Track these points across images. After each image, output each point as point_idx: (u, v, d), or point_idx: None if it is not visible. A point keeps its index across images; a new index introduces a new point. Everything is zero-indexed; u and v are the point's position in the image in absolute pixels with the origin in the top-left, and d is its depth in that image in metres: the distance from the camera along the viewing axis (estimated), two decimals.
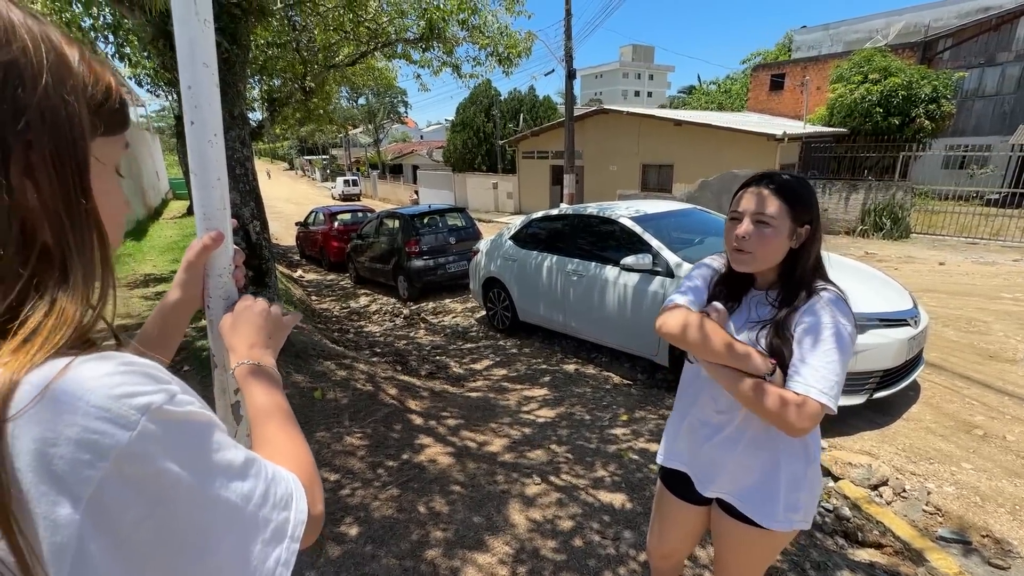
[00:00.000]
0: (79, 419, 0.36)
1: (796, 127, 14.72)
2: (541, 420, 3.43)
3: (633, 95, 62.29)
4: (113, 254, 0.49)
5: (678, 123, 14.35)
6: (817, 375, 1.07)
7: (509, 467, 2.73)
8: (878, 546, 2.45)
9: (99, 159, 0.46)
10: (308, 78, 6.82)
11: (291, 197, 29.63)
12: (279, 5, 6.04)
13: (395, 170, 36.68)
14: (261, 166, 59.83)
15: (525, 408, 3.66)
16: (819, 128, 15.35)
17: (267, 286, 3.47)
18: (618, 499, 2.48)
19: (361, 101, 36.75)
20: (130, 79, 10.08)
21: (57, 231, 0.42)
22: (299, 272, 11.62)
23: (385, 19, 6.90)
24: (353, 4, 6.21)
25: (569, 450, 2.98)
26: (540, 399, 3.87)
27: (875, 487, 2.89)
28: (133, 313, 4.72)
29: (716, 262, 1.34)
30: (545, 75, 17.92)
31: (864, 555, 2.38)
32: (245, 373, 0.63)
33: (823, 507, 2.76)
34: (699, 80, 36.68)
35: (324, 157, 50.35)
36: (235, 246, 0.79)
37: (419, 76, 13.26)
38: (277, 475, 0.49)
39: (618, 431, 3.23)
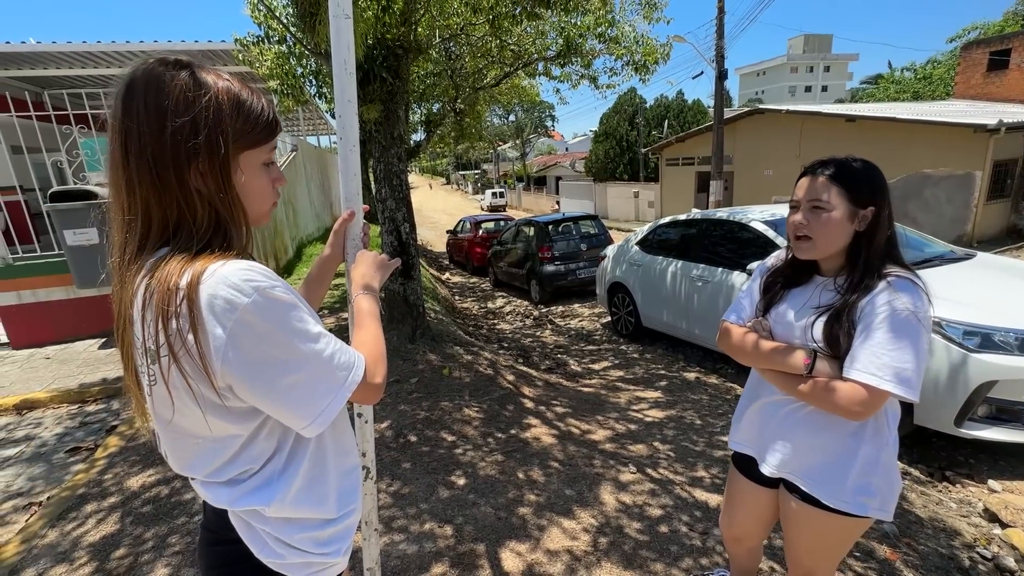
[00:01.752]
0: (224, 287, 0.64)
1: (1022, 114, 11.86)
2: (648, 419, 3.47)
3: (803, 91, 55.61)
4: (255, 223, 0.80)
5: (850, 119, 12.59)
6: (869, 357, 1.08)
7: (608, 455, 2.87)
8: None
9: (242, 163, 0.74)
10: (459, 100, 7.68)
11: (445, 208, 32.69)
12: (437, 40, 6.97)
13: (539, 182, 38.14)
14: (423, 181, 67.02)
15: (635, 407, 3.73)
16: None
17: (412, 278, 4.11)
18: (715, 499, 2.46)
19: (511, 118, 39.07)
20: (327, 113, 12.40)
21: (217, 206, 0.73)
22: (446, 275, 12.89)
23: (528, 41, 7.44)
24: (499, 31, 6.86)
25: (672, 449, 3.00)
26: (652, 400, 3.90)
27: None
28: None
29: (771, 260, 1.38)
30: (693, 78, 17.10)
31: None
32: (358, 289, 0.98)
33: (979, 553, 2.37)
34: (890, 67, 31.30)
35: (476, 171, 54.44)
36: (364, 220, 1.16)
37: (558, 90, 13.74)
38: (344, 348, 0.76)
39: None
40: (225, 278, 0.65)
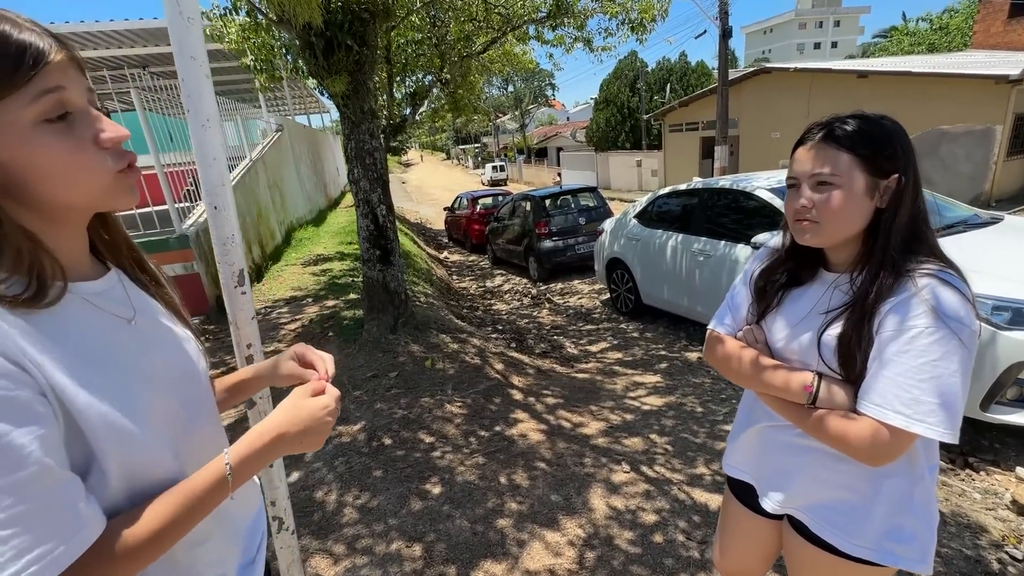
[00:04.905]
0: None
1: None
2: (646, 408, 3.25)
3: (812, 48, 53.53)
4: (76, 204, 0.54)
5: (862, 75, 11.94)
6: (892, 387, 0.81)
7: (600, 451, 2.66)
8: None
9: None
10: (445, 70, 7.26)
11: (446, 184, 32.14)
12: (418, 5, 6.53)
13: (540, 153, 37.34)
14: (429, 157, 66.06)
15: (631, 394, 3.50)
16: None
17: (392, 264, 3.85)
18: (715, 501, 2.24)
19: (509, 89, 38.01)
20: (315, 90, 11.95)
21: None
22: (444, 254, 12.63)
23: (516, 3, 6.98)
24: None
25: (670, 442, 2.78)
26: (650, 386, 3.66)
27: None
28: (303, 286, 5.65)
29: (776, 240, 1.09)
30: (696, 37, 16.37)
31: None
32: (224, 463, 0.60)
33: (1008, 553, 2.15)
34: (903, 18, 29.78)
35: (476, 145, 53.47)
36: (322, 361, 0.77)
37: (551, 56, 13.14)
38: (11, 533, 0.45)
39: None
40: None
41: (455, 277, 9.80)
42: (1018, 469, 2.69)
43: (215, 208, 0.85)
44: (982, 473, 2.72)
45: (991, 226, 3.43)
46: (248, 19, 5.33)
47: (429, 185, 33.47)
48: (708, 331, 1.14)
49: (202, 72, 0.82)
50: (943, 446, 3.02)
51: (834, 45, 52.99)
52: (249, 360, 0.93)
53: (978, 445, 2.92)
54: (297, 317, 4.61)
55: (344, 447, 2.55)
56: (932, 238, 0.91)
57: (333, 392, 0.68)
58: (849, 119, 0.90)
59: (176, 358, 0.66)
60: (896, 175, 0.87)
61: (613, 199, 16.58)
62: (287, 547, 1.08)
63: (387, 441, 2.62)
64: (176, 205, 4.72)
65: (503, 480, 2.36)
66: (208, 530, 0.64)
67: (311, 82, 8.57)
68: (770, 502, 1.07)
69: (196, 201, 5.60)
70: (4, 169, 0.50)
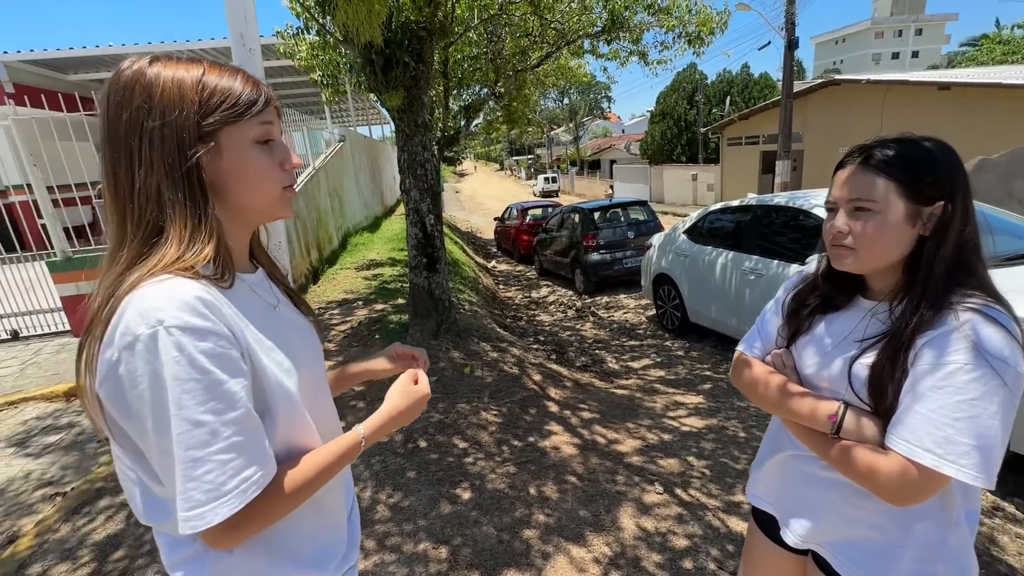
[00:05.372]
0: (135, 311, 0.58)
1: None
2: (685, 428, 3.16)
3: (890, 58, 50.36)
4: (258, 214, 0.73)
5: (944, 87, 11.12)
6: (928, 427, 0.76)
7: (633, 470, 2.61)
8: None
9: (223, 142, 0.65)
10: (499, 84, 7.43)
11: (497, 195, 32.61)
12: (476, 21, 6.74)
13: (593, 165, 37.17)
14: (469, 165, 67.29)
15: (671, 413, 3.41)
16: None
17: (438, 272, 3.97)
18: None
19: (565, 101, 38.16)
20: (376, 103, 12.52)
21: (167, 202, 0.63)
22: (492, 263, 12.79)
23: (571, 18, 7.05)
24: (540, 8, 6.52)
25: (708, 466, 2.69)
26: (692, 407, 3.56)
27: None
28: (354, 290, 5.91)
29: (811, 266, 1.05)
30: (759, 49, 15.83)
31: None
32: (360, 435, 0.76)
33: None
34: (997, 25, 27.44)
35: (529, 157, 53.92)
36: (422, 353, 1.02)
37: (606, 69, 13.14)
38: (226, 467, 0.58)
39: None
40: (143, 298, 0.58)
41: (501, 286, 9.91)
42: None
43: None
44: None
45: None
46: (317, 38, 5.70)
47: (482, 195, 34.04)
48: (736, 353, 1.11)
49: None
50: (1021, 494, 2.75)
51: (915, 55, 49.61)
52: None
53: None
54: (347, 319, 4.82)
55: (382, 447, 2.65)
56: (982, 270, 0.85)
57: (426, 380, 0.87)
58: (892, 142, 0.87)
59: (309, 341, 0.81)
60: (942, 203, 0.83)
61: (667, 213, 16.23)
62: None
63: (422, 444, 2.69)
64: None
65: (532, 491, 2.36)
66: (336, 483, 0.80)
67: (372, 96, 9.01)
68: (792, 535, 1.03)
69: None
70: (224, 173, 0.66)
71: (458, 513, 2.18)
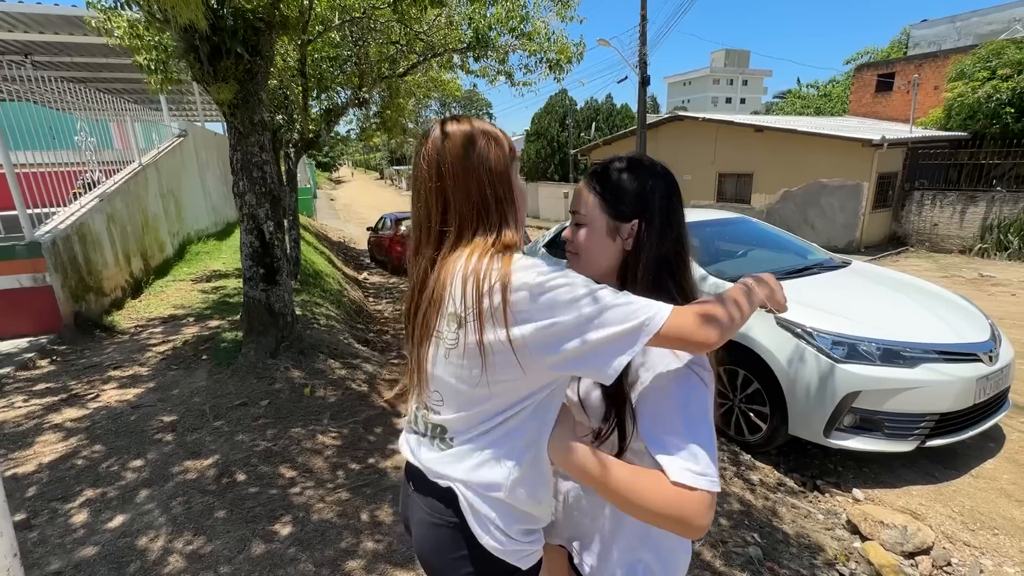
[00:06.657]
0: (528, 275, 0.77)
1: (903, 131, 13.04)
2: None
3: (724, 102, 59.08)
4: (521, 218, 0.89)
5: (759, 129, 13.28)
6: (682, 449, 0.78)
7: None
8: None
9: (512, 173, 0.87)
10: (364, 89, 7.17)
11: (376, 204, 31.43)
12: (337, 21, 6.44)
13: None
14: (347, 171, 64.41)
15: None
16: (931, 132, 13.47)
17: (278, 283, 3.63)
18: None
19: (447, 114, 38.28)
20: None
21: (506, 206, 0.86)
22: (364, 275, 12.23)
23: (439, 32, 7.08)
24: (404, 17, 6.43)
25: None
26: None
27: (910, 555, 2.38)
28: (187, 304, 5.18)
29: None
30: (618, 82, 17.49)
31: None
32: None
33: (838, 571, 2.32)
34: (797, 83, 33.77)
35: (410, 167, 52.96)
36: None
37: (475, 86, 13.44)
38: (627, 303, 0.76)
39: None
40: (526, 269, 0.76)
41: (372, 299, 9.49)
42: (855, 490, 2.95)
43: None
44: (827, 495, 2.96)
45: (840, 269, 3.84)
46: (139, 16, 4.96)
47: (359, 204, 32.63)
48: None
49: None
50: (799, 470, 3.24)
51: (743, 101, 58.84)
52: None
53: (825, 468, 3.19)
54: (171, 338, 4.19)
55: (186, 485, 2.29)
56: (685, 283, 0.91)
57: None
58: (615, 162, 0.94)
59: None
60: (637, 221, 0.90)
61: (541, 227, 17.00)
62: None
63: (240, 477, 2.39)
64: (30, 211, 4.17)
65: (365, 517, 2.22)
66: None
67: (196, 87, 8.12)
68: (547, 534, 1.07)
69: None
70: (518, 192, 0.88)
71: (272, 552, 1.95)
